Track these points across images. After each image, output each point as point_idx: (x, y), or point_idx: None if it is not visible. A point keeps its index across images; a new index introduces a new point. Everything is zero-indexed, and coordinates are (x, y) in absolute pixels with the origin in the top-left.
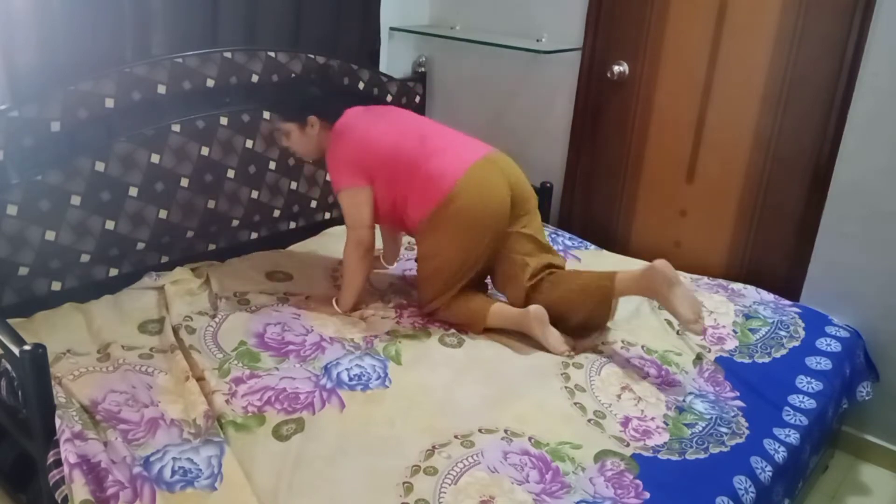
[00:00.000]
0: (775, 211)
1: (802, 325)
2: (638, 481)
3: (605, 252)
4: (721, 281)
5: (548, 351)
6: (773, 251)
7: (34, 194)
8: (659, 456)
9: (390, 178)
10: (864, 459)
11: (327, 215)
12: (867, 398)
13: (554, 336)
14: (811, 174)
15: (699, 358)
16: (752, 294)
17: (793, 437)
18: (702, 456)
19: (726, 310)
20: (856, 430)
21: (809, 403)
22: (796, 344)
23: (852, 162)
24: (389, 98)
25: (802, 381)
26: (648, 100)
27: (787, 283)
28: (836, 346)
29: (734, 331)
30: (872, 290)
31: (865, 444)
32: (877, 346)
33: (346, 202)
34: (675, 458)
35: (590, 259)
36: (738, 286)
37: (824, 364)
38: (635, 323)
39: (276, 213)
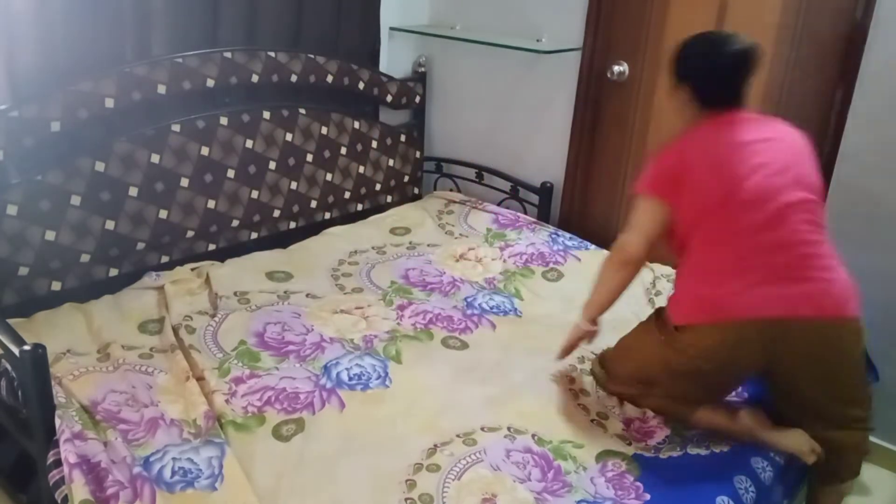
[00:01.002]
0: None
1: None
2: (639, 483)
3: (605, 252)
4: None
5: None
6: None
7: (34, 194)
8: (660, 455)
9: (709, 231)
10: (864, 459)
11: (327, 215)
12: None
13: (789, 436)
14: None
15: None
16: None
17: None
18: (703, 452)
19: None
20: None
21: None
22: None
23: (852, 162)
24: (389, 98)
25: None
26: (648, 100)
27: None
28: None
29: None
30: (872, 290)
31: None
32: (877, 346)
33: (638, 206)
34: (676, 453)
35: (590, 259)
36: None
37: None
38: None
39: (276, 213)
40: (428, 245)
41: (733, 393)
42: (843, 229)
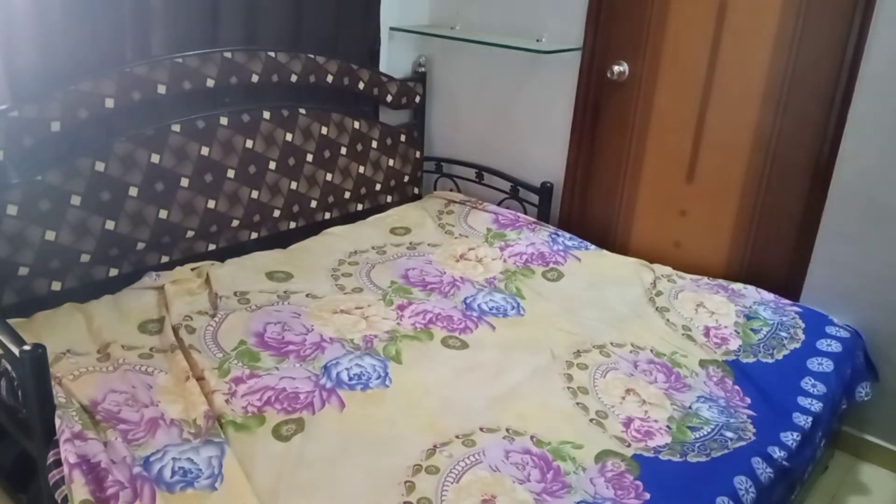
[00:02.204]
0: (775, 211)
1: (802, 325)
2: (638, 482)
3: (605, 252)
4: (721, 281)
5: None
6: (773, 251)
7: (34, 194)
8: (660, 457)
9: None
10: (864, 459)
11: (327, 215)
12: (866, 399)
13: None
14: (811, 174)
15: (706, 362)
16: (752, 294)
17: (796, 439)
18: (703, 459)
19: (727, 310)
20: (856, 430)
21: (816, 406)
22: (797, 346)
23: (852, 162)
24: (389, 98)
25: (808, 384)
26: (648, 100)
27: (787, 283)
28: (836, 347)
29: (736, 331)
30: (872, 290)
31: (865, 444)
32: (877, 346)
33: None
34: (676, 458)
35: (590, 259)
36: (738, 286)
37: (826, 365)
38: (640, 325)
39: (276, 213)
40: (428, 245)
41: None
42: (844, 229)
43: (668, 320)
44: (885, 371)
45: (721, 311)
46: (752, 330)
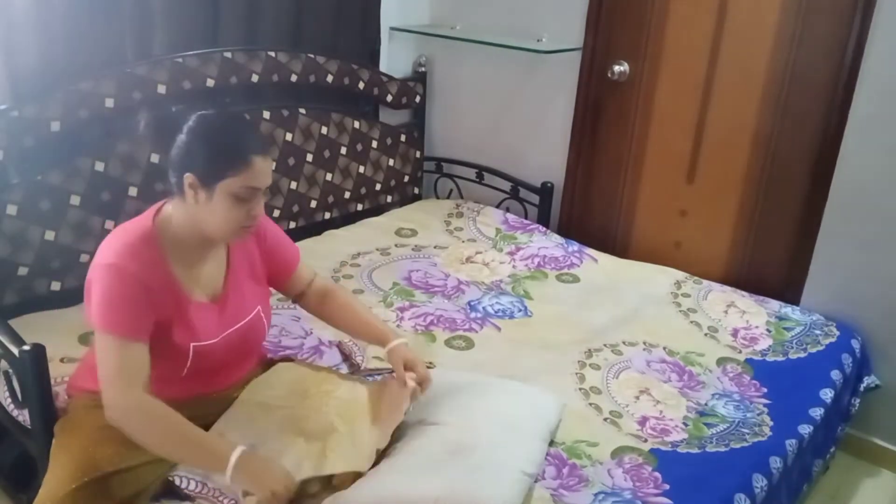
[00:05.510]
0: (775, 211)
1: (835, 323)
2: (657, 473)
3: (600, 263)
4: (736, 289)
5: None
6: (774, 251)
7: (34, 194)
8: (678, 450)
9: None
10: (865, 460)
11: (327, 215)
12: (858, 406)
13: None
14: (811, 174)
15: (724, 359)
16: (775, 304)
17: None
18: (722, 449)
19: (758, 311)
20: (857, 431)
21: (823, 406)
22: (832, 340)
23: (852, 162)
24: (389, 98)
25: (836, 376)
26: (648, 100)
27: (787, 283)
28: (848, 348)
29: (768, 330)
30: (873, 290)
31: (866, 444)
32: (877, 346)
33: None
34: (694, 451)
35: (607, 260)
36: (760, 298)
37: (846, 363)
38: (655, 323)
39: (277, 212)
40: (434, 247)
41: None
42: (844, 229)
43: (692, 321)
44: (886, 371)
45: (752, 311)
46: (784, 329)
